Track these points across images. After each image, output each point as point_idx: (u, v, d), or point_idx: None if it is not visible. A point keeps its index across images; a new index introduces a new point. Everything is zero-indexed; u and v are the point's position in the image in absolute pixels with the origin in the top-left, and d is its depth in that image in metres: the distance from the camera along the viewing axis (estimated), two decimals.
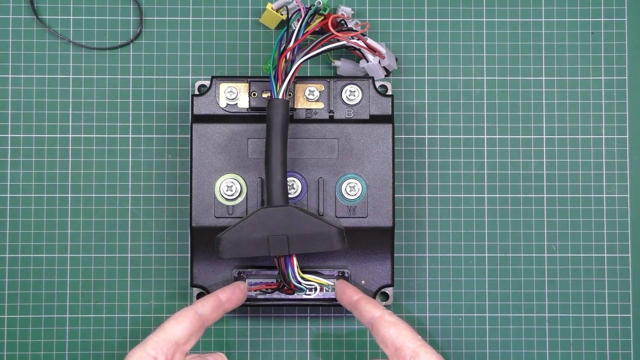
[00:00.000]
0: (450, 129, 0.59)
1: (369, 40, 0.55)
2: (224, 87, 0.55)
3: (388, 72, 0.58)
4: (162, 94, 0.59)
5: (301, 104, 0.55)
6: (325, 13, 0.55)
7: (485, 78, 0.59)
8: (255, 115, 0.55)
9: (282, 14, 0.57)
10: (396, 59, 0.58)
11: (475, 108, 0.59)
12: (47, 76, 0.59)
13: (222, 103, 0.55)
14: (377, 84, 0.57)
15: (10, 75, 0.59)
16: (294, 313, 0.59)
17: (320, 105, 0.56)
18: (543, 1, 0.60)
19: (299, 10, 0.54)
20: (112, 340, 0.58)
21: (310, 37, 0.54)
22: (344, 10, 0.57)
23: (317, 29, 0.54)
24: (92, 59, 0.59)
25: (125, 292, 0.58)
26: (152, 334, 0.48)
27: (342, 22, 0.55)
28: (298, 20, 0.53)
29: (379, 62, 0.56)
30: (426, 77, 0.59)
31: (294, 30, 0.53)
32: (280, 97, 0.51)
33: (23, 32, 0.59)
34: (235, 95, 0.55)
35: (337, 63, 0.58)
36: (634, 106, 0.60)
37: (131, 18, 0.59)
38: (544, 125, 0.59)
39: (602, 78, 0.59)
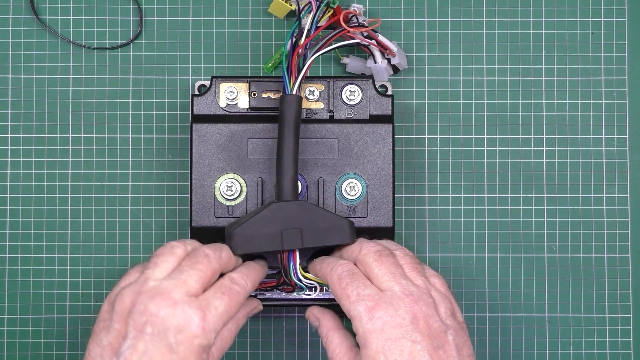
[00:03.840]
0: (450, 129, 0.59)
1: (380, 37, 0.55)
2: (224, 87, 0.55)
3: (398, 70, 0.58)
4: (162, 94, 0.59)
5: None
6: (335, 6, 0.55)
7: (485, 78, 0.59)
8: (255, 115, 0.55)
9: (291, 4, 0.57)
10: (407, 57, 0.58)
11: (475, 108, 0.59)
12: (47, 76, 0.59)
13: (222, 103, 0.55)
14: (377, 83, 0.57)
15: (10, 75, 0.59)
16: (294, 313, 0.59)
17: (320, 105, 0.56)
18: (543, 1, 0.60)
19: (310, 3, 0.53)
20: None
21: (320, 33, 0.54)
22: (356, 7, 0.56)
23: (327, 25, 0.54)
24: (92, 59, 0.59)
25: None
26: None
27: (354, 17, 0.55)
28: (310, 14, 0.53)
29: (389, 60, 0.56)
30: (426, 77, 0.59)
31: (305, 25, 0.52)
32: (293, 92, 0.51)
33: (23, 32, 0.59)
34: (235, 95, 0.55)
35: (345, 60, 0.58)
36: (634, 106, 0.60)
37: (131, 18, 0.59)
38: (544, 125, 0.59)
39: (602, 78, 0.59)
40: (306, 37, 0.52)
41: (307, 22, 0.52)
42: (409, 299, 0.46)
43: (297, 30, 0.52)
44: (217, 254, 0.48)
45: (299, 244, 0.50)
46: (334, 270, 0.49)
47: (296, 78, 0.51)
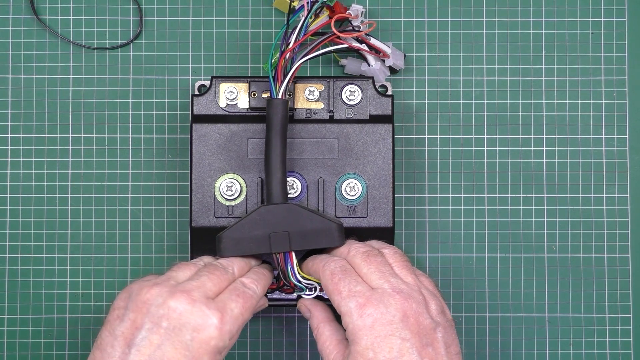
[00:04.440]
0: (450, 129, 0.59)
1: (373, 41, 0.55)
2: (224, 87, 0.55)
3: (395, 71, 0.58)
4: (162, 94, 0.59)
5: (301, 104, 0.55)
6: (332, 4, 0.54)
7: (485, 78, 0.59)
8: (255, 116, 0.55)
9: (293, 0, 0.57)
10: (405, 55, 0.58)
11: (475, 108, 0.59)
12: (47, 76, 0.59)
13: (222, 103, 0.55)
14: (377, 83, 0.57)
15: (10, 75, 0.59)
16: (294, 313, 0.59)
17: (320, 105, 0.56)
18: (543, 1, 0.60)
19: (302, 6, 0.53)
20: None
21: (311, 37, 0.54)
22: (354, 9, 0.56)
23: (322, 27, 0.54)
24: (92, 59, 0.59)
25: None
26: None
27: (348, 21, 0.55)
28: (303, 15, 0.53)
29: (384, 62, 0.56)
30: (426, 77, 0.59)
31: (296, 27, 0.52)
32: (279, 96, 0.51)
33: (23, 32, 0.59)
34: (235, 95, 0.55)
35: (343, 62, 0.58)
36: (634, 106, 0.60)
37: (131, 18, 0.59)
38: (544, 125, 0.59)
39: (602, 78, 0.59)
40: (294, 41, 0.52)
41: (297, 26, 0.52)
42: (399, 296, 0.47)
43: (286, 32, 0.52)
44: (231, 266, 0.50)
45: (287, 247, 0.50)
46: (327, 266, 0.49)
47: (282, 82, 0.51)
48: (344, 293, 0.47)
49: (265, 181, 0.52)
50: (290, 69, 0.52)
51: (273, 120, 0.51)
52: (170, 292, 0.46)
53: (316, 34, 0.54)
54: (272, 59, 0.53)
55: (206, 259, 0.51)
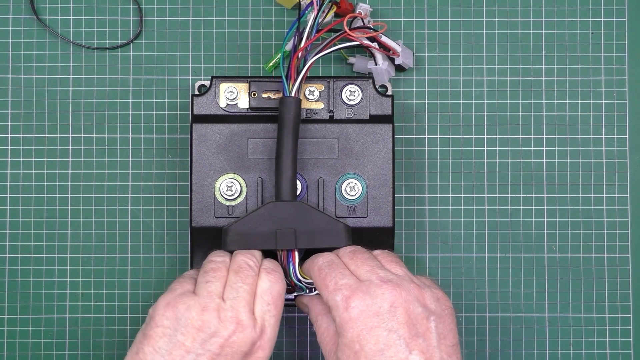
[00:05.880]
0: (450, 129, 0.59)
1: (384, 39, 0.55)
2: (224, 87, 0.55)
3: (404, 69, 0.58)
4: (162, 94, 0.59)
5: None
6: (339, 0, 0.54)
7: (485, 78, 0.59)
8: (255, 116, 0.55)
9: None
10: (414, 54, 0.58)
11: (475, 108, 0.59)
12: (47, 76, 0.59)
13: (222, 103, 0.55)
14: (377, 84, 0.57)
15: (10, 75, 0.59)
16: (294, 313, 0.59)
17: (320, 105, 0.56)
18: (543, 1, 0.60)
19: (312, 3, 0.53)
20: (112, 340, 0.58)
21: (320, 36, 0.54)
22: (363, 8, 0.56)
23: (331, 27, 0.54)
24: (92, 59, 0.59)
25: (125, 292, 0.58)
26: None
27: (358, 19, 0.55)
28: (313, 12, 0.53)
29: (392, 61, 0.56)
30: (426, 77, 0.59)
31: (306, 26, 0.52)
32: (292, 95, 0.52)
33: (23, 32, 0.59)
34: (235, 95, 0.55)
35: (352, 60, 0.58)
36: (634, 106, 0.60)
37: (131, 18, 0.59)
38: (544, 125, 0.59)
39: (602, 78, 0.59)
40: (306, 39, 0.52)
41: (309, 20, 0.52)
42: (387, 285, 0.47)
43: (297, 30, 0.52)
44: (255, 262, 0.50)
45: (293, 245, 0.51)
46: (315, 262, 0.50)
47: (295, 80, 0.52)
48: (331, 287, 0.48)
49: (275, 178, 0.52)
50: (303, 67, 0.52)
51: (285, 119, 0.51)
52: (222, 319, 0.46)
53: (330, 31, 0.53)
54: (283, 58, 0.53)
55: (225, 253, 0.51)
